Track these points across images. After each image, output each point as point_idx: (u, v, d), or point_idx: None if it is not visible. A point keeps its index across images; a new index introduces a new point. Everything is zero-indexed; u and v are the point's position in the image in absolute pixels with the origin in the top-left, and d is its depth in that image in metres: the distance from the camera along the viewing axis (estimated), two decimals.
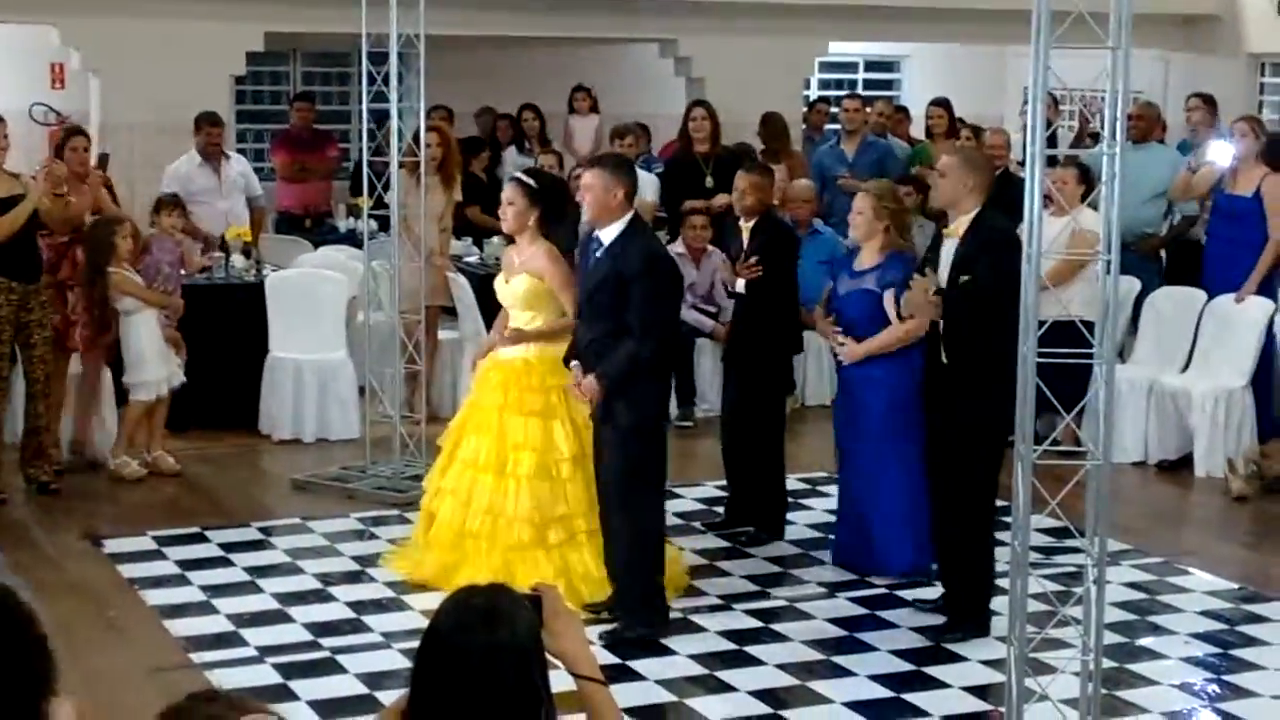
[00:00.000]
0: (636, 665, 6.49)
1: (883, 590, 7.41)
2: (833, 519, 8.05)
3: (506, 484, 7.19)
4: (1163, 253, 11.34)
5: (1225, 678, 6.55)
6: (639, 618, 6.77)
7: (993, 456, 6.77)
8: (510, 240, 7.57)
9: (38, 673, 3.17)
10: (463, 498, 7.30)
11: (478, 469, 7.27)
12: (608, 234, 6.73)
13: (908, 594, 7.33)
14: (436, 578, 7.26)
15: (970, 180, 6.78)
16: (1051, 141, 11.68)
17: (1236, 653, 6.81)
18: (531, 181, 7.37)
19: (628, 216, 6.73)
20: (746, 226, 8.26)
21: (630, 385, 6.64)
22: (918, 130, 14.03)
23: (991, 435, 6.66)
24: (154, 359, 9.10)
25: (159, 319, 9.13)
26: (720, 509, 8.48)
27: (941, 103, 13.01)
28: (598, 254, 6.75)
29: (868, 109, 13.11)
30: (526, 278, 7.28)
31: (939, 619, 6.98)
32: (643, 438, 6.71)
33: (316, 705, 6.09)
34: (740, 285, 8.21)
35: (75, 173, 9.14)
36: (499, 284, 7.50)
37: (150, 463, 9.15)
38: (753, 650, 6.72)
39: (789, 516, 8.42)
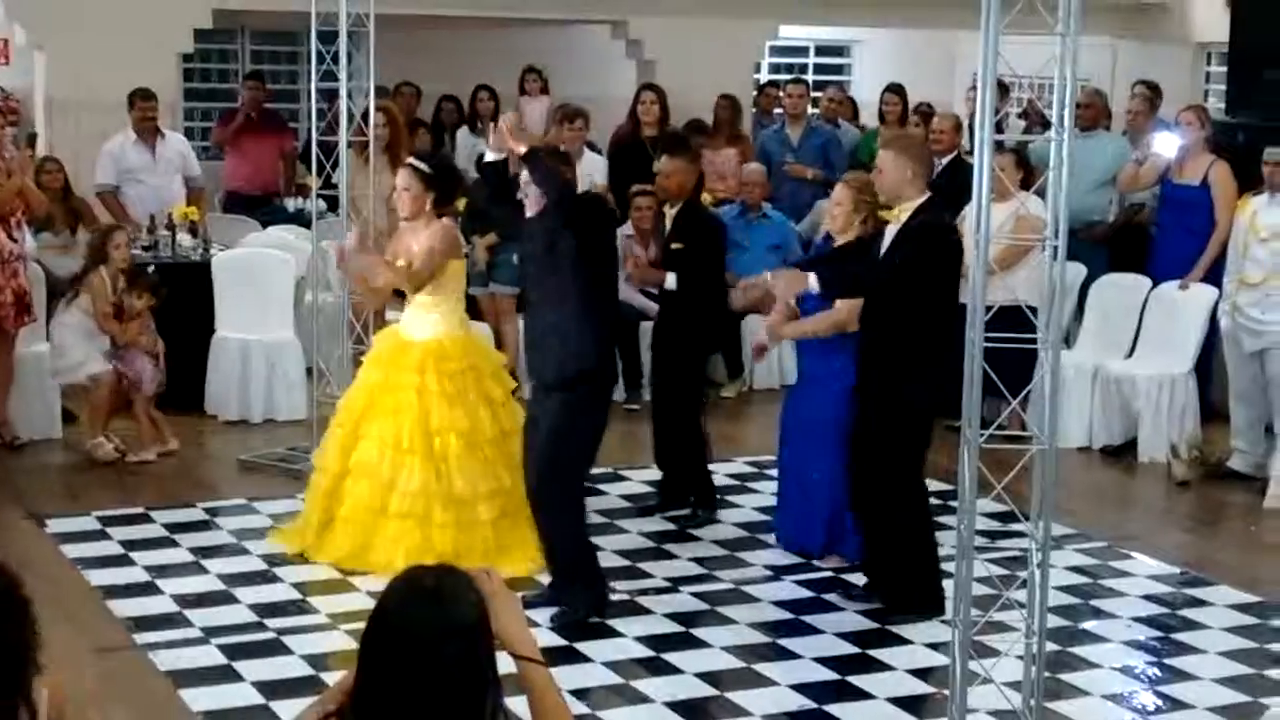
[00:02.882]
0: (583, 647, 6.50)
1: (828, 573, 7.44)
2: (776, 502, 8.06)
3: (436, 465, 7.22)
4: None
5: (1166, 660, 6.62)
6: (580, 600, 6.78)
7: (923, 436, 6.88)
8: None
9: (24, 645, 3.16)
10: (385, 478, 7.28)
11: (401, 451, 7.26)
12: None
13: (853, 578, 7.36)
14: (350, 557, 7.28)
15: (910, 168, 6.79)
16: (1000, 128, 11.73)
17: (1177, 636, 6.89)
18: (425, 167, 7.52)
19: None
20: (670, 211, 8.29)
21: (569, 379, 6.62)
22: (868, 116, 14.08)
23: (920, 414, 6.83)
24: (74, 346, 9.10)
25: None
26: None
27: (895, 89, 13.05)
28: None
29: (816, 94, 13.15)
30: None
31: (869, 604, 7.04)
32: (580, 405, 6.68)
33: (261, 686, 6.07)
34: (671, 282, 8.19)
35: None
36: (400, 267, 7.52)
37: (89, 449, 9.10)
38: (699, 633, 6.73)
39: (735, 499, 8.45)
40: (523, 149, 6.64)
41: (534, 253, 6.78)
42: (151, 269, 9.77)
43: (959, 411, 5.39)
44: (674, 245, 8.23)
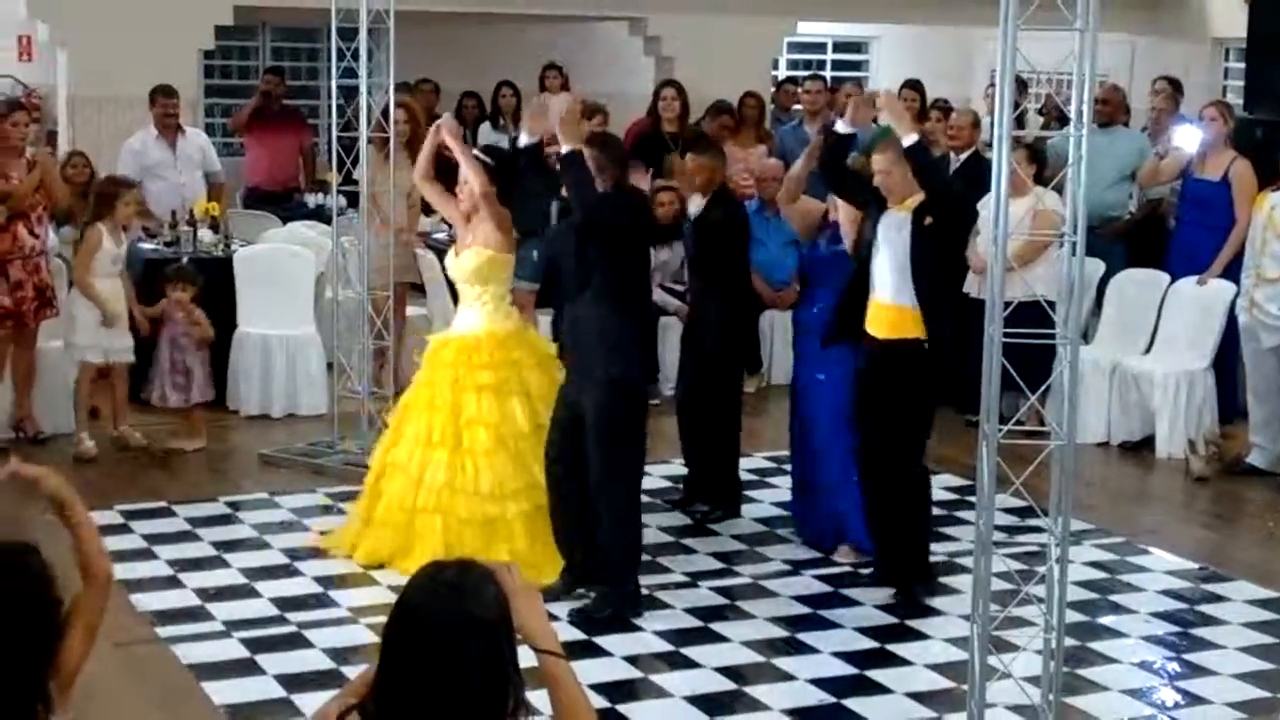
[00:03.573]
0: (602, 641, 6.52)
1: (847, 568, 7.46)
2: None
3: (462, 459, 7.19)
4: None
5: (1185, 656, 6.63)
6: (611, 597, 6.80)
7: (933, 404, 7.11)
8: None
9: (48, 637, 3.18)
10: (414, 475, 7.27)
11: (430, 446, 7.25)
12: None
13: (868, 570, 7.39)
14: (393, 557, 7.27)
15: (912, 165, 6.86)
16: (1019, 123, 11.72)
17: (1196, 631, 6.89)
18: (488, 160, 7.48)
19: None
20: (700, 203, 8.34)
21: (607, 340, 6.67)
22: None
23: (935, 398, 7.04)
24: (87, 323, 9.06)
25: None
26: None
27: (913, 85, 13.05)
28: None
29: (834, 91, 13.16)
30: (476, 251, 7.33)
31: (883, 591, 7.12)
32: (625, 398, 6.71)
33: (283, 679, 6.11)
34: (696, 205, 8.24)
35: (14, 148, 9.14)
36: (450, 259, 7.55)
37: (117, 438, 9.13)
38: (718, 627, 6.76)
39: (754, 494, 8.47)
40: (566, 148, 6.67)
41: (569, 250, 6.82)
42: (186, 260, 9.81)
43: (978, 406, 5.40)
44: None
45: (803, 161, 7.72)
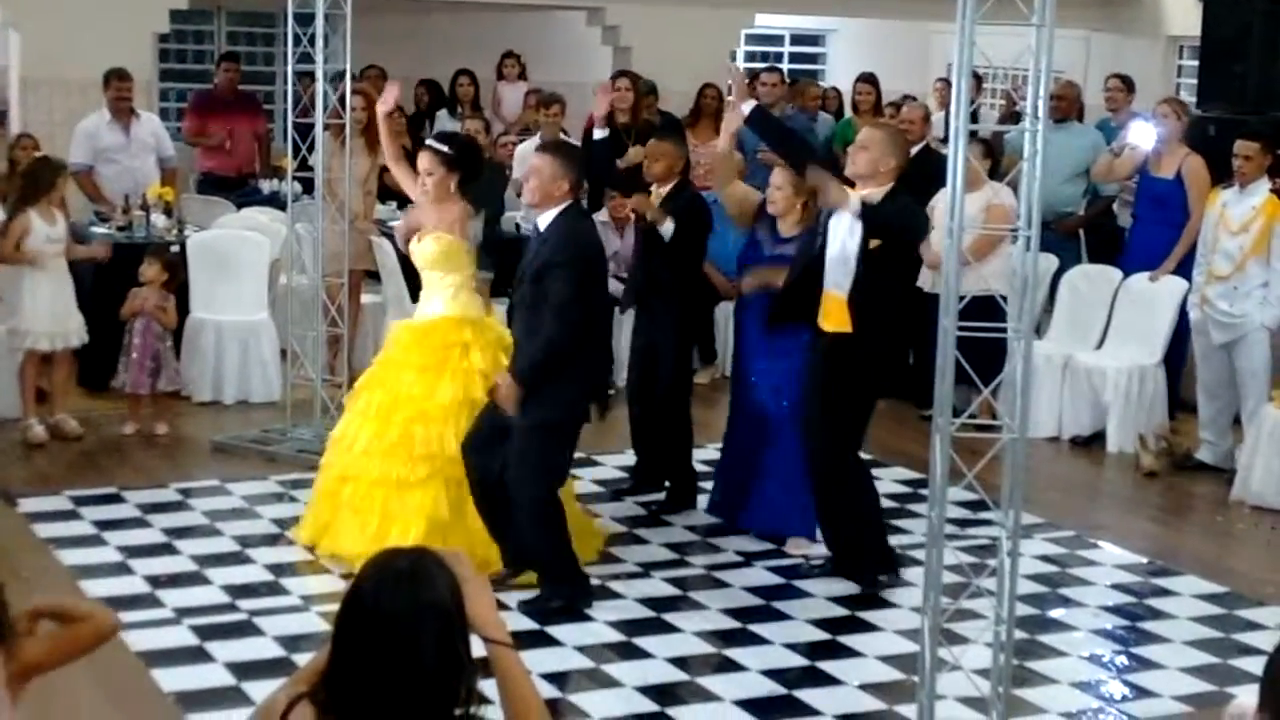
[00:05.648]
0: (554, 631, 6.52)
1: (799, 560, 7.48)
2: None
3: (388, 429, 7.17)
4: (1081, 232, 11.48)
5: (1133, 649, 6.68)
6: (560, 589, 6.79)
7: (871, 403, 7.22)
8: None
9: None
10: (347, 444, 7.29)
11: (365, 419, 7.26)
12: (544, 220, 6.72)
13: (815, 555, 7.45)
14: (318, 533, 7.29)
15: (891, 161, 6.95)
16: (974, 118, 11.78)
17: (1144, 625, 6.95)
18: (446, 148, 7.36)
19: (565, 204, 6.71)
20: (660, 193, 8.29)
21: (547, 378, 6.57)
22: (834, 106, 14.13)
23: (874, 391, 7.17)
24: (31, 310, 8.91)
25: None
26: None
27: (868, 78, 13.09)
28: (532, 242, 6.79)
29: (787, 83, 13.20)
30: (437, 237, 7.29)
31: (835, 583, 7.17)
32: (549, 436, 6.66)
33: (233, 667, 6.09)
34: (668, 229, 8.17)
35: None
36: (412, 244, 7.51)
37: (52, 426, 9.04)
38: (670, 618, 6.77)
39: (707, 485, 8.47)
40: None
41: (519, 282, 6.78)
42: (175, 249, 9.72)
43: (931, 400, 5.42)
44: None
45: (725, 140, 7.85)
